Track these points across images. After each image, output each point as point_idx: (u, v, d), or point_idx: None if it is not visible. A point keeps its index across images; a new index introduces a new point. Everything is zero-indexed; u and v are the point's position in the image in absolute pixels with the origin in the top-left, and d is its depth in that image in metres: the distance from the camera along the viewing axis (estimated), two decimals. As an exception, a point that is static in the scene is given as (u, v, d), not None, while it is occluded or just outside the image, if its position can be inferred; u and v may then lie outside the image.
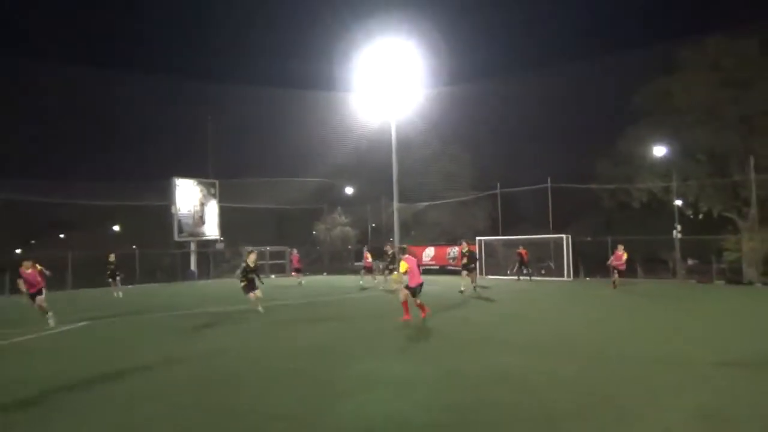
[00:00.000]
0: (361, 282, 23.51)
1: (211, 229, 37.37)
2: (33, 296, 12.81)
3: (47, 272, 13.07)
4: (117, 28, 65.03)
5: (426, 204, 37.06)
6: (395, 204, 34.88)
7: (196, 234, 36.56)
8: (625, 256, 19.52)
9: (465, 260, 19.05)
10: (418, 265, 12.47)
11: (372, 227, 40.51)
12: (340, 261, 39.18)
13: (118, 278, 21.76)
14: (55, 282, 27.70)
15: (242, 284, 13.76)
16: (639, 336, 10.00)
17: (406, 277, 12.02)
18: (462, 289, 18.52)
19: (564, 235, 26.75)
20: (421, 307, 12.04)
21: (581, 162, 29.49)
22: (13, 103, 31.92)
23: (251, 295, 13.75)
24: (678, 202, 26.13)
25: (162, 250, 35.77)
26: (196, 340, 10.38)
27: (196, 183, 36.71)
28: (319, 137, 37.16)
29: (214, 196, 37.45)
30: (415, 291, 11.91)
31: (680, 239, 25.47)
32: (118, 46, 62.56)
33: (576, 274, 26.84)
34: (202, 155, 38.49)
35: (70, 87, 33.02)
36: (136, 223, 35.74)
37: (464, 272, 19.06)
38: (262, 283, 14.33)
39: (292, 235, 39.01)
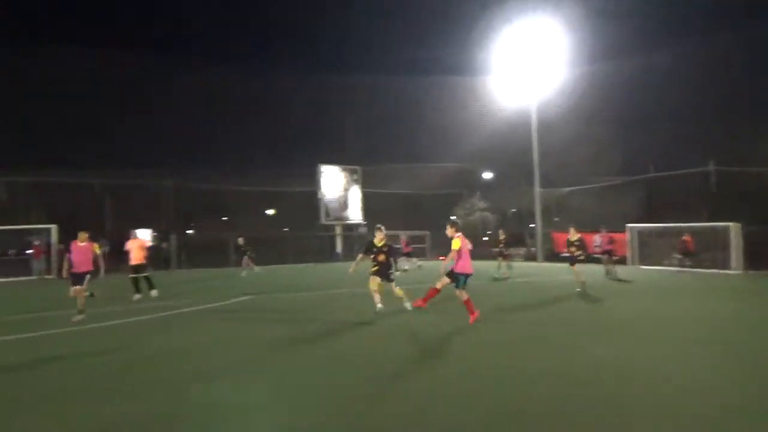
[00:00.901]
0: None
1: (355, 213, 39.41)
2: (77, 277, 10.78)
3: (104, 249, 11.16)
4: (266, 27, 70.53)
5: (570, 189, 35.30)
6: (536, 189, 33.65)
7: (341, 218, 38.86)
8: None
9: (573, 249, 15.70)
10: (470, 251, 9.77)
11: (512, 212, 39.59)
12: (481, 246, 38.87)
13: (249, 257, 24.51)
14: (217, 260, 31.64)
15: (372, 269, 10.79)
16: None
17: (450, 262, 9.51)
18: (578, 289, 15.00)
19: (731, 224, 23.79)
20: (467, 304, 9.56)
21: (747, 143, 25.85)
22: (199, 104, 37.00)
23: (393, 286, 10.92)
24: None
25: (311, 232, 38.63)
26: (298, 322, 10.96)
27: (340, 169, 38.93)
28: (458, 122, 37.28)
29: (356, 181, 39.39)
30: (458, 280, 9.41)
31: None
32: (267, 45, 68.07)
33: (747, 266, 23.70)
34: (345, 142, 40.79)
35: (238, 89, 37.24)
36: (289, 207, 38.97)
37: (574, 266, 15.38)
38: (398, 270, 11.48)
39: (431, 220, 39.62)
